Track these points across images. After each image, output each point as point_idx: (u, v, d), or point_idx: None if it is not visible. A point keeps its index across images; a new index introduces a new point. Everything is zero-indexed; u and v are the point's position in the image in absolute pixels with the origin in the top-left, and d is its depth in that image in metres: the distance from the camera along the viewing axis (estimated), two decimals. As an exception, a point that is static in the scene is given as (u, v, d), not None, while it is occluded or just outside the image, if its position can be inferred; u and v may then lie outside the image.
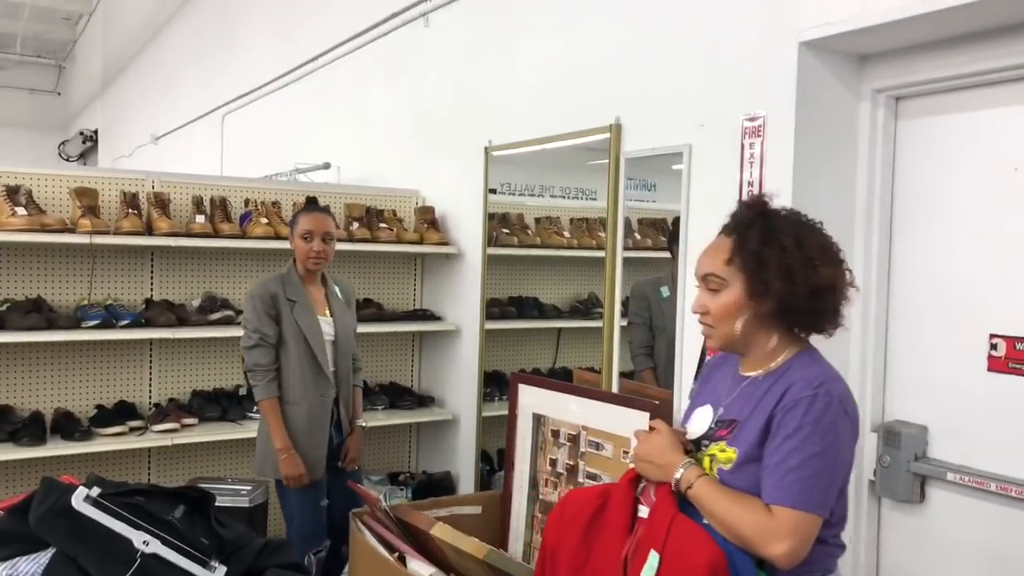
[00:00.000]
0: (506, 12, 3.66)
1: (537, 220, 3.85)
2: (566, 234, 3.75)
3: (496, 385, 3.82)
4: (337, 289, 3.15)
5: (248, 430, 3.56)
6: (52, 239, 3.19)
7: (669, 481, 1.60)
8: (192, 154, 8.05)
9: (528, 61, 3.52)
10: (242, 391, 3.78)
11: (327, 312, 3.07)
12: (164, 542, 1.86)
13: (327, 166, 5.16)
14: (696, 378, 1.88)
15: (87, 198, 3.31)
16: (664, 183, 2.97)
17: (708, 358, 1.88)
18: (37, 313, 3.21)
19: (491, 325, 3.79)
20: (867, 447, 2.45)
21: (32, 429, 3.20)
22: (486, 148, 3.69)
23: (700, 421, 1.69)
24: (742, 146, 2.51)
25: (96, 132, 12.97)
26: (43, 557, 1.81)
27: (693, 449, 1.67)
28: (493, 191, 3.76)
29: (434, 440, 4.18)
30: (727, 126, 2.55)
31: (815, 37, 2.31)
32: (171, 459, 3.66)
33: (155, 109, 9.54)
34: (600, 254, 3.11)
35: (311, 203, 3.29)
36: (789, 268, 1.53)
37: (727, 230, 1.64)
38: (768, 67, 2.44)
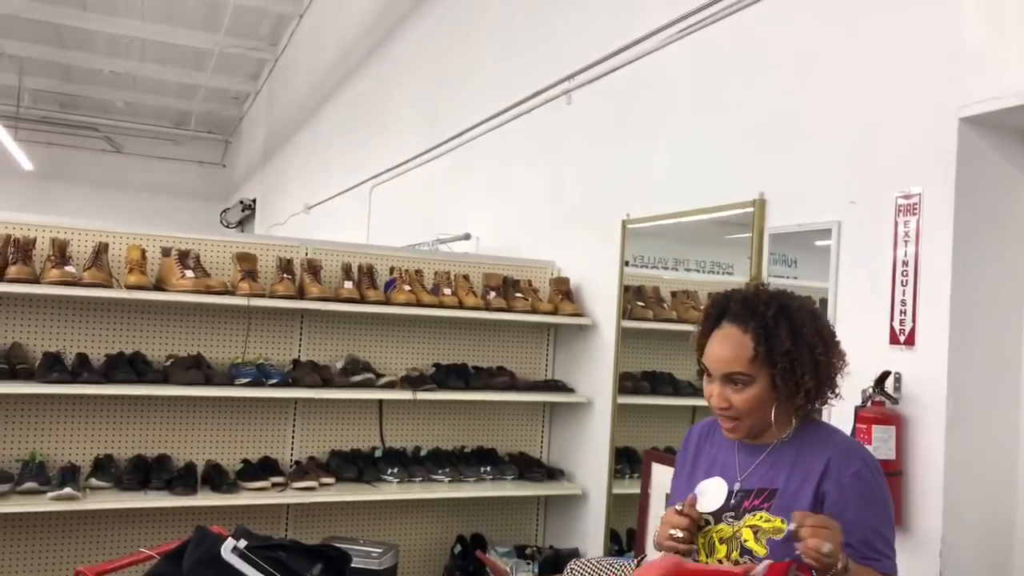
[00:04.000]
0: (648, 89, 3.71)
1: (673, 294, 3.81)
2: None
3: (627, 462, 3.74)
4: None
5: (382, 492, 3.64)
6: (214, 300, 3.43)
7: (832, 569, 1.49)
8: (341, 223, 8.50)
9: (669, 135, 3.54)
10: (378, 453, 3.88)
11: None
12: (302, 599, 1.91)
13: (467, 237, 5.32)
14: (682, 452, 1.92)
15: (247, 263, 3.55)
16: (806, 260, 2.88)
17: (691, 431, 1.92)
18: (197, 369, 3.44)
19: (624, 399, 3.74)
20: (1041, 554, 2.23)
21: (186, 479, 3.39)
22: (624, 221, 3.71)
23: (713, 494, 1.72)
24: (895, 223, 2.41)
25: (254, 201, 13.97)
26: (192, 603, 1.90)
27: (711, 522, 1.68)
28: (626, 263, 3.76)
29: (562, 515, 4.12)
30: (880, 203, 2.46)
31: (978, 112, 2.21)
32: (308, 516, 3.78)
33: (309, 181, 10.19)
34: (740, 331, 3.02)
35: None
36: (817, 364, 1.62)
37: (739, 323, 1.65)
38: (925, 143, 2.34)
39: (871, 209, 2.50)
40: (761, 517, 1.63)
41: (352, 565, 3.00)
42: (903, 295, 2.37)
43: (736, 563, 1.61)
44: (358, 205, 7.81)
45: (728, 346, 1.65)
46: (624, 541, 3.67)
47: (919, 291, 2.33)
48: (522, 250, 4.57)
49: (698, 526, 1.68)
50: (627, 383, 3.76)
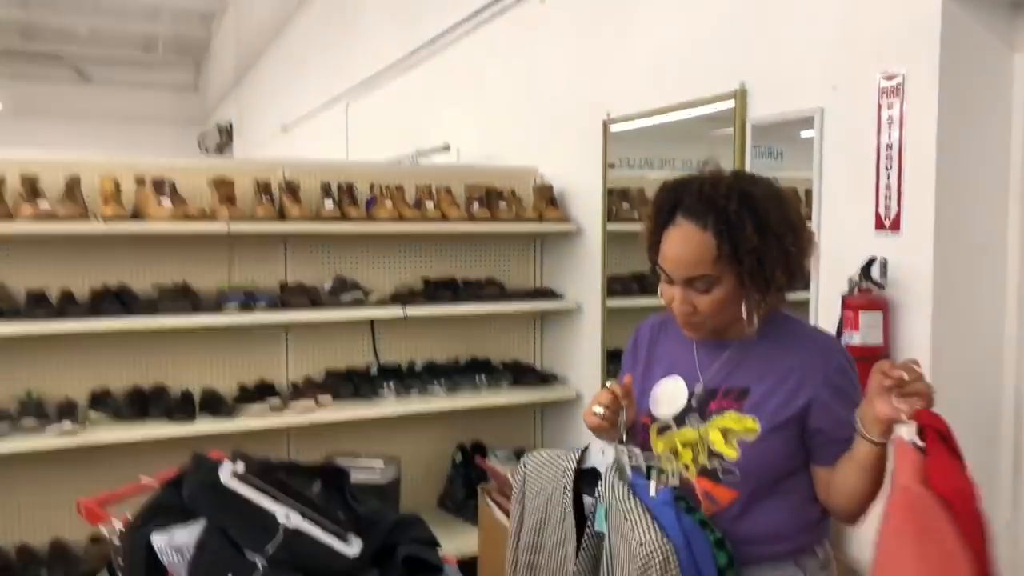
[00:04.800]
0: (623, -19, 3.57)
1: (659, 194, 3.76)
2: (689, 207, 3.65)
3: (619, 363, 3.77)
4: None
5: (381, 407, 3.68)
6: (194, 228, 3.38)
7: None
8: (319, 141, 8.34)
9: (646, 29, 3.43)
10: (373, 370, 3.90)
11: None
12: (304, 516, 1.94)
13: (447, 148, 5.22)
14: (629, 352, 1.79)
15: (224, 188, 3.48)
16: (791, 151, 2.84)
17: (640, 328, 1.78)
18: (185, 298, 3.42)
19: (613, 302, 3.75)
20: (1025, 428, 2.28)
21: (184, 407, 3.41)
22: (604, 121, 3.63)
23: (674, 396, 1.60)
24: (879, 107, 2.36)
25: (231, 124, 13.66)
26: (196, 527, 1.93)
27: (673, 427, 1.58)
28: (611, 166, 3.70)
29: (559, 418, 4.19)
30: (863, 87, 2.40)
31: (962, -16, 2.13)
32: (309, 436, 3.82)
33: (284, 100, 9.93)
34: (726, 227, 3.00)
35: None
36: (788, 255, 1.47)
37: (696, 219, 1.47)
38: (908, 20, 2.27)
39: (854, 94, 2.44)
40: (731, 417, 1.52)
41: (355, 479, 3.06)
42: (888, 180, 2.34)
43: (704, 468, 1.53)
44: (335, 122, 7.65)
45: (688, 247, 1.47)
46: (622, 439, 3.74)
47: (904, 175, 2.30)
48: (503, 157, 4.50)
49: (657, 428, 1.59)
50: (616, 285, 3.76)
